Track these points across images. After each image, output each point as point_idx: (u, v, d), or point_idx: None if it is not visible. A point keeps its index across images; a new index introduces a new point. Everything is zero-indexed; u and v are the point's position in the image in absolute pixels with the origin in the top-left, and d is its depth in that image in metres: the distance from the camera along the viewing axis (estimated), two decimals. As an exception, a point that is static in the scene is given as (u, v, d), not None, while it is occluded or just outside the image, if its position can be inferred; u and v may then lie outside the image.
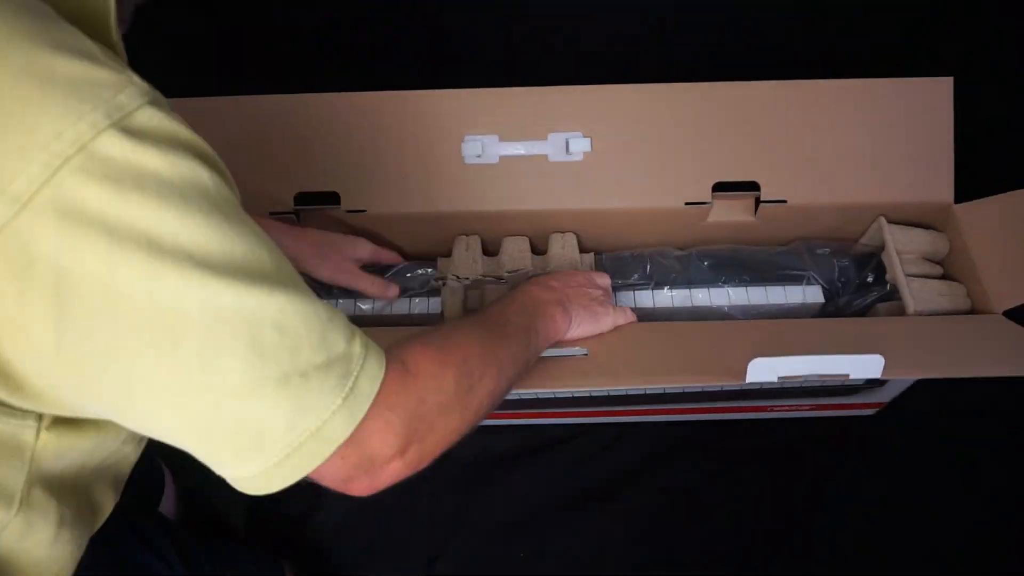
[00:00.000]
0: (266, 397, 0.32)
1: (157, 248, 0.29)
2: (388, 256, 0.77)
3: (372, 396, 0.36)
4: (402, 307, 0.77)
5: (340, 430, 0.35)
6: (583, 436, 0.97)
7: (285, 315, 0.32)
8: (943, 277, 0.79)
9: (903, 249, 0.78)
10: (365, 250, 0.75)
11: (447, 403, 0.42)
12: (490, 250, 0.81)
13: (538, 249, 0.81)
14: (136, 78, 0.31)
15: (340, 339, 0.35)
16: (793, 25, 1.25)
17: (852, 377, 0.60)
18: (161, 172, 0.30)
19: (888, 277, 0.77)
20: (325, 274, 0.72)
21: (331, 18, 1.27)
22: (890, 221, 0.79)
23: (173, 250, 0.29)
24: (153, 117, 0.30)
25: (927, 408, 0.95)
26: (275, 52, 1.25)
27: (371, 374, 0.36)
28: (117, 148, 0.29)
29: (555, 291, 0.64)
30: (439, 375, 0.42)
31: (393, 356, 0.40)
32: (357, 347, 0.36)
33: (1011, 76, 1.20)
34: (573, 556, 0.90)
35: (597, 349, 0.64)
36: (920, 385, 0.86)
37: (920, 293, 0.75)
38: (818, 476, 0.94)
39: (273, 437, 0.33)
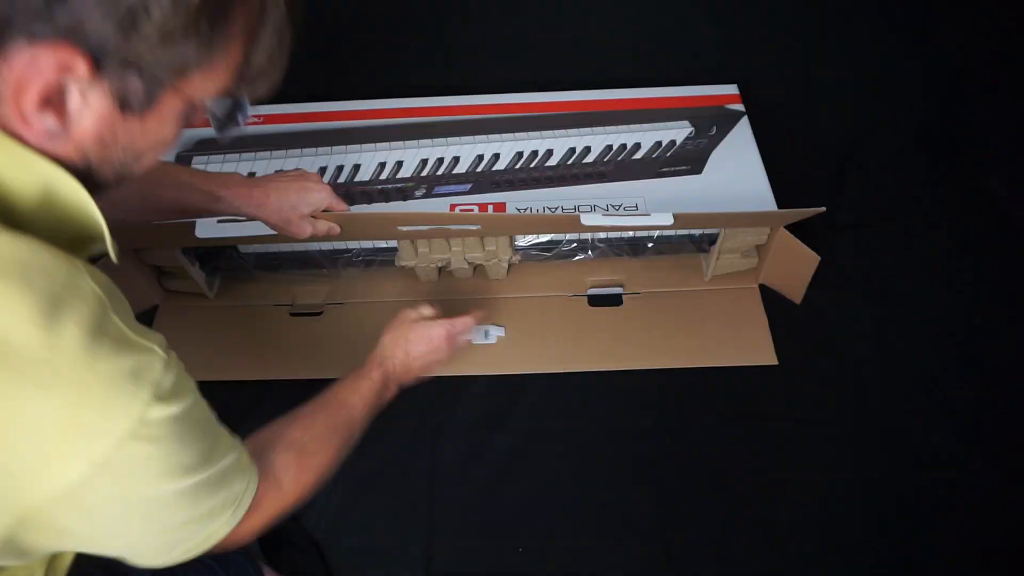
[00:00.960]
0: (198, 523, 0.48)
1: (165, 470, 0.43)
2: (341, 206, 0.86)
3: (246, 508, 0.52)
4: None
5: (225, 531, 0.51)
6: (582, 433, 0.98)
7: (221, 474, 0.48)
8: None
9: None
10: (322, 203, 0.84)
11: (301, 499, 0.61)
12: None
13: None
14: (156, 347, 0.42)
15: (237, 480, 0.51)
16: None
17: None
18: (176, 417, 0.42)
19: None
20: (287, 233, 0.84)
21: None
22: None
23: (169, 469, 0.43)
24: (169, 376, 0.42)
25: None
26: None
27: (251, 492, 0.53)
28: (155, 413, 0.40)
29: (401, 376, 0.81)
30: (300, 486, 0.61)
31: (269, 471, 0.57)
32: (243, 482, 0.52)
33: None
34: (573, 553, 0.90)
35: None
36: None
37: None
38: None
39: (188, 545, 0.49)
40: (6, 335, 0.36)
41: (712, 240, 1.04)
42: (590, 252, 1.05)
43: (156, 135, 0.43)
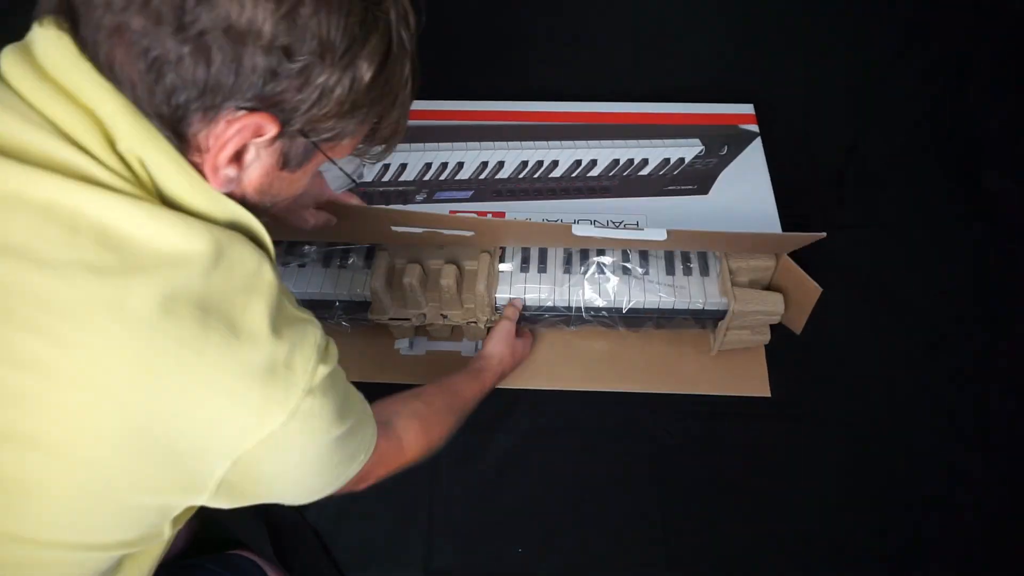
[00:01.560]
0: (345, 465, 0.58)
1: (331, 418, 0.50)
2: (344, 197, 0.89)
3: (370, 452, 0.60)
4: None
5: (355, 471, 0.59)
6: (582, 433, 0.99)
7: (359, 421, 0.56)
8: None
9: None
10: (324, 194, 0.87)
11: (416, 459, 0.72)
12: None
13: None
14: (313, 318, 0.50)
15: (368, 427, 0.60)
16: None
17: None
18: (332, 373, 0.50)
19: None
20: (289, 223, 0.87)
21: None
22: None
23: (333, 417, 0.51)
24: (324, 341, 0.50)
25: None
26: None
27: (373, 442, 0.61)
28: (321, 371, 0.48)
29: (505, 370, 0.96)
30: (418, 448, 0.71)
31: (394, 431, 0.68)
32: (371, 429, 0.60)
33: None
34: (573, 553, 0.91)
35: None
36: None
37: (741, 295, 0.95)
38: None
39: (333, 484, 0.58)
40: (240, 321, 0.44)
41: (719, 316, 0.96)
42: (573, 327, 1.01)
43: (297, 187, 0.52)
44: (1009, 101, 1.24)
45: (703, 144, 1.12)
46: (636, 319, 0.98)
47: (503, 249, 0.99)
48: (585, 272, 0.96)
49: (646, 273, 0.96)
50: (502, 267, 0.98)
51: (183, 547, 0.87)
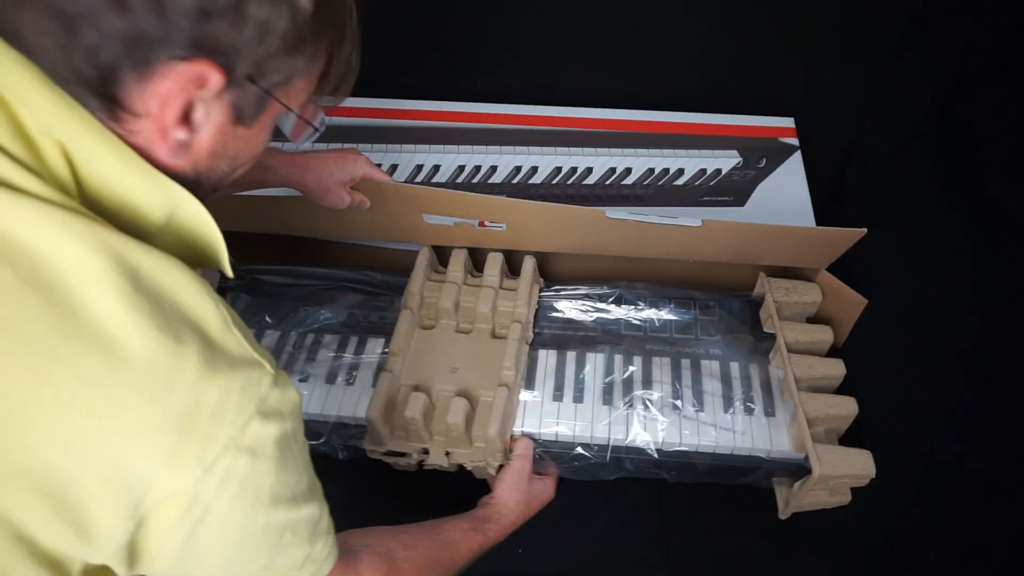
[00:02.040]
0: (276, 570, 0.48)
1: (261, 492, 0.43)
2: (380, 174, 0.86)
3: None
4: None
5: None
6: None
7: (308, 524, 0.48)
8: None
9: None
10: (359, 170, 0.85)
11: None
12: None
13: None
14: (267, 363, 0.43)
15: (320, 543, 0.50)
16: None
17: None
18: (275, 438, 0.42)
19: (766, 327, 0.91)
20: (326, 203, 0.86)
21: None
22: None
23: (264, 492, 0.43)
24: (275, 394, 0.43)
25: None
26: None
27: (328, 565, 0.51)
28: (257, 427, 0.41)
29: (517, 521, 0.79)
30: None
31: (355, 565, 0.56)
32: (325, 551, 0.51)
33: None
34: (573, 553, 0.90)
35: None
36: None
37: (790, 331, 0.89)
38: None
39: None
40: (133, 349, 0.38)
41: (790, 469, 0.82)
42: (608, 475, 0.84)
43: (256, 145, 0.47)
44: (1010, 101, 1.22)
45: (741, 156, 1.10)
46: (687, 468, 0.83)
47: (529, 375, 0.89)
48: (628, 407, 0.85)
49: (700, 411, 0.84)
50: (529, 397, 0.87)
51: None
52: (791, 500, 0.84)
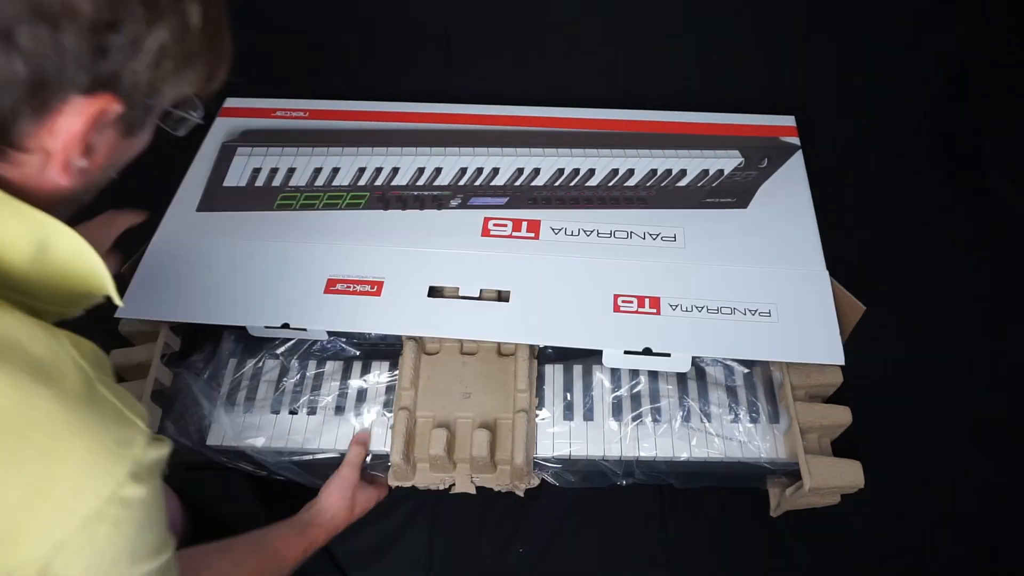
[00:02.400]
0: None
1: (123, 556, 0.42)
2: (134, 216, 0.88)
3: None
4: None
5: None
6: None
7: (160, 572, 0.46)
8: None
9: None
10: (124, 222, 0.87)
11: None
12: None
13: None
14: (141, 422, 0.42)
15: None
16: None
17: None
18: (143, 499, 0.41)
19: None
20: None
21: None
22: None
23: (125, 555, 0.42)
24: (149, 454, 0.42)
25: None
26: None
27: None
28: (128, 492, 0.40)
29: (339, 526, 0.81)
30: None
31: None
32: None
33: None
34: (573, 553, 0.91)
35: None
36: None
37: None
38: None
39: None
40: None
41: (787, 471, 0.85)
42: (623, 481, 0.86)
43: (140, 144, 0.47)
44: (1010, 101, 1.23)
45: (742, 156, 1.10)
46: (694, 475, 0.86)
47: (537, 392, 0.89)
48: (637, 422, 0.87)
49: (706, 421, 0.87)
50: (540, 416, 0.87)
51: (176, 546, 0.87)
52: (783, 502, 0.88)
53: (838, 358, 0.86)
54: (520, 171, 1.08)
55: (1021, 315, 1.07)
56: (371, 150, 1.10)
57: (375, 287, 0.93)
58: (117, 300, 0.46)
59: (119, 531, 0.40)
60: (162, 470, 0.44)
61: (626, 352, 0.87)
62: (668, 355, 0.86)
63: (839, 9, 1.22)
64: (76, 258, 0.43)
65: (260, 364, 0.93)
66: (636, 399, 0.89)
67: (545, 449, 0.86)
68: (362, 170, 1.07)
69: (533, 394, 0.87)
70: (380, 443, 0.86)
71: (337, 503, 0.80)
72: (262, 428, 0.88)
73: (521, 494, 0.86)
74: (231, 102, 1.16)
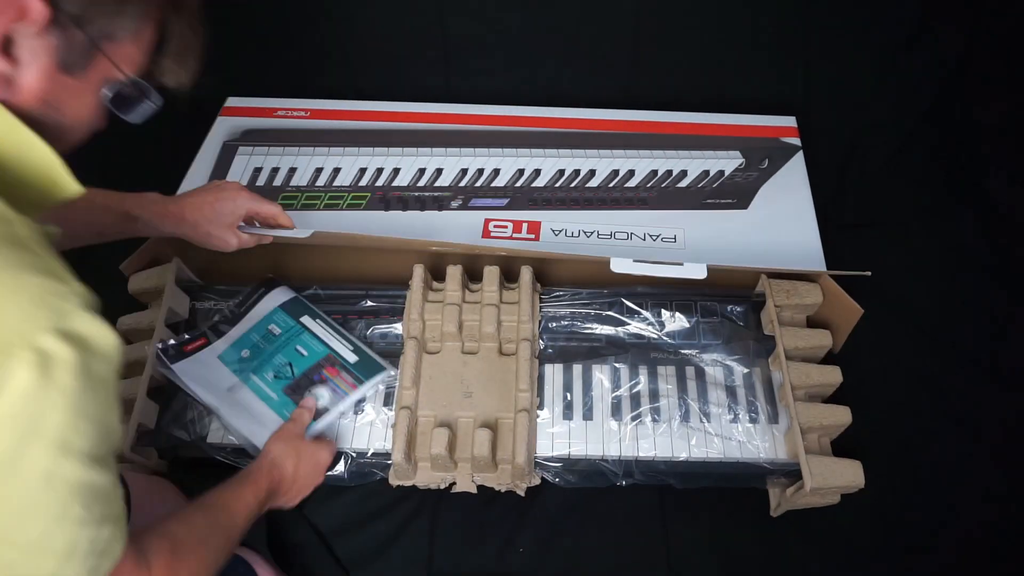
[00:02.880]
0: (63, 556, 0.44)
1: (42, 433, 0.39)
2: (267, 207, 0.82)
3: (107, 569, 0.46)
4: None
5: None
6: None
7: (104, 497, 0.44)
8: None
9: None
10: (240, 209, 0.82)
11: None
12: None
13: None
14: (75, 292, 0.40)
15: (108, 524, 0.46)
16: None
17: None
18: (73, 367, 0.39)
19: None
20: (211, 247, 0.83)
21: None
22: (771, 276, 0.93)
23: (54, 437, 0.39)
24: (77, 320, 0.39)
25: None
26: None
27: (112, 557, 0.47)
28: (50, 344, 0.38)
29: (284, 474, 0.78)
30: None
31: (138, 550, 0.52)
32: (112, 532, 0.46)
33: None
34: (573, 553, 0.90)
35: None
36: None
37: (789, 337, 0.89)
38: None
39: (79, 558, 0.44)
40: None
41: (788, 472, 0.84)
42: (623, 482, 0.86)
43: (84, 103, 0.46)
44: (1010, 101, 1.22)
45: (743, 156, 1.10)
46: (693, 476, 0.85)
47: (541, 396, 0.89)
48: (637, 422, 0.87)
49: (706, 422, 0.87)
50: (540, 416, 0.88)
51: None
52: (783, 502, 0.88)
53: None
54: (521, 172, 1.08)
55: (1021, 315, 1.07)
56: (372, 150, 1.10)
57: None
58: (75, 186, 0.46)
59: (43, 392, 0.38)
60: (114, 371, 0.42)
61: (636, 260, 0.86)
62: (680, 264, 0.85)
63: (839, 9, 1.22)
64: (22, 147, 0.43)
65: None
66: (635, 399, 0.88)
67: (545, 449, 0.85)
68: (363, 170, 1.08)
69: (534, 393, 0.87)
70: (380, 442, 0.86)
71: (277, 448, 0.79)
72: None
73: (522, 493, 0.86)
74: (232, 101, 1.16)
